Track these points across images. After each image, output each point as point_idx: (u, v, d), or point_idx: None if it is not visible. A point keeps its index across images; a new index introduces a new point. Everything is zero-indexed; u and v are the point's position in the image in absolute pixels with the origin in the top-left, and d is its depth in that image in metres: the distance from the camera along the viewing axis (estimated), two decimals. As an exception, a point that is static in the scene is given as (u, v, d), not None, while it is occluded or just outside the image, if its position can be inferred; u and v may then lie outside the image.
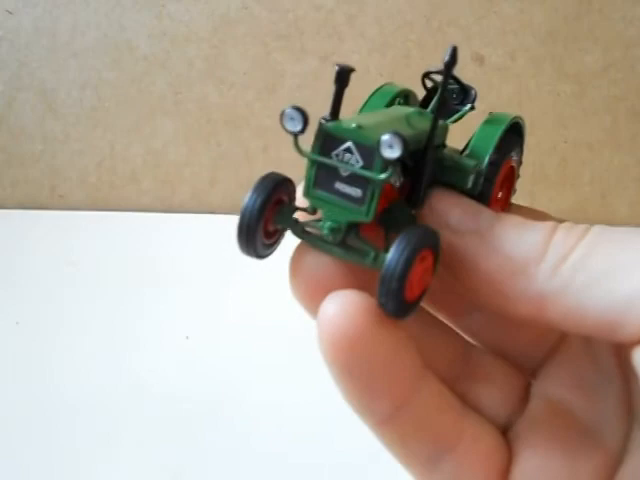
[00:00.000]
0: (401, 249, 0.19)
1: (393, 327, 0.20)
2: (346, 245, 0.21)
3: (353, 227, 0.20)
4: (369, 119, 0.21)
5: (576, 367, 0.24)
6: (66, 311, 0.56)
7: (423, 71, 0.26)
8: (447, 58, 0.20)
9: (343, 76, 0.21)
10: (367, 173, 0.19)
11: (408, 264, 0.19)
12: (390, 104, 0.25)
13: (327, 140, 0.20)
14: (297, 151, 0.20)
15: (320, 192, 0.20)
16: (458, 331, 0.25)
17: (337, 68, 0.21)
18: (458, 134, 0.25)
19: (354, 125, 0.20)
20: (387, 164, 0.19)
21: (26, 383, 0.48)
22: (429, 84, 0.26)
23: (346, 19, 0.68)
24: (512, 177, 0.25)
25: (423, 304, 0.21)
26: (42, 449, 0.42)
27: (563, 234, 0.20)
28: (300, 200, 0.21)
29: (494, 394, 0.24)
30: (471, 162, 0.22)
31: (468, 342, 0.25)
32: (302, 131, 0.20)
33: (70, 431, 0.44)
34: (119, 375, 0.49)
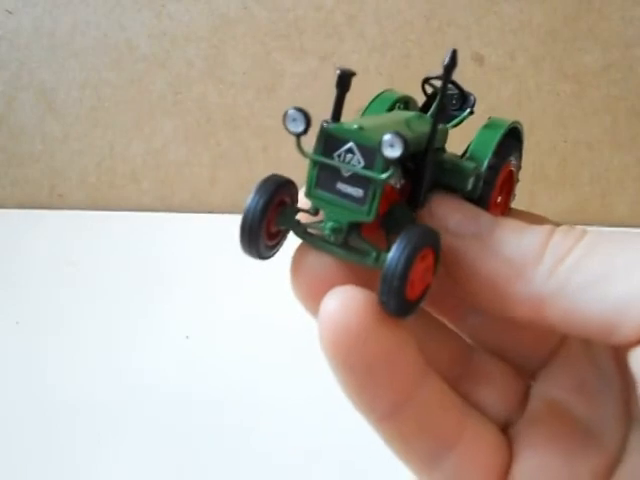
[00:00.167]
0: (402, 248, 0.19)
1: (394, 323, 0.20)
2: (348, 245, 0.21)
3: (355, 227, 0.21)
4: (370, 121, 0.21)
5: (576, 369, 0.24)
6: (66, 311, 0.56)
7: (423, 76, 0.26)
8: (447, 61, 0.21)
9: (344, 80, 0.21)
10: (368, 173, 0.20)
11: (409, 262, 0.19)
12: (390, 110, 0.25)
13: (329, 141, 0.20)
14: (299, 152, 0.20)
15: (322, 192, 0.21)
16: (459, 333, 0.26)
17: (338, 72, 0.21)
18: (458, 139, 0.25)
19: (355, 126, 0.20)
20: (388, 164, 0.19)
21: (26, 383, 0.48)
22: (429, 90, 0.26)
23: (346, 19, 0.68)
24: (511, 181, 0.25)
25: (424, 306, 0.21)
26: (42, 449, 0.42)
27: (560, 237, 0.20)
28: (302, 201, 0.22)
29: (495, 394, 0.24)
30: (471, 165, 0.22)
31: (469, 342, 0.25)
32: (304, 132, 0.20)
33: (70, 431, 0.44)
34: (119, 375, 0.49)
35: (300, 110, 0.20)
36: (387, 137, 0.19)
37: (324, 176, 0.20)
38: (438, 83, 0.22)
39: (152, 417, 0.45)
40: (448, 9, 0.67)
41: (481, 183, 0.23)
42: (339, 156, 0.20)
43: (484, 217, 0.22)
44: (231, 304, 0.56)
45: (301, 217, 0.22)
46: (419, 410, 0.21)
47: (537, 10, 0.67)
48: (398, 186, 0.21)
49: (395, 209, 0.22)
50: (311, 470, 0.41)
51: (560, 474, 0.22)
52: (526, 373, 0.25)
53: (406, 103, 0.26)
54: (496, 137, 0.23)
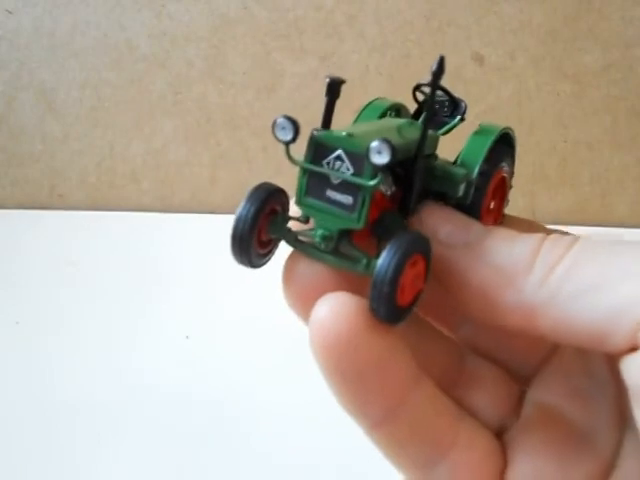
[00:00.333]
0: (392, 254, 0.19)
1: (385, 329, 0.20)
2: (339, 253, 0.21)
3: (345, 235, 0.21)
4: (360, 129, 0.22)
5: (569, 375, 0.24)
6: (66, 311, 0.56)
7: (414, 84, 0.26)
8: (434, 68, 0.21)
9: (334, 88, 0.21)
10: (357, 180, 0.20)
11: (399, 268, 0.19)
12: (381, 118, 0.25)
13: (318, 149, 0.20)
14: (289, 160, 0.20)
15: (312, 200, 0.21)
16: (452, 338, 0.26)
17: (328, 80, 0.21)
18: (450, 146, 0.25)
19: (344, 134, 0.20)
20: (377, 170, 0.19)
21: (26, 383, 0.48)
22: (420, 97, 0.26)
23: (346, 19, 0.68)
24: (504, 187, 0.25)
25: (417, 311, 0.21)
26: (42, 449, 0.42)
27: (550, 245, 0.20)
28: (293, 209, 0.22)
29: (489, 399, 0.24)
30: (461, 171, 0.22)
31: (463, 348, 0.26)
32: (293, 140, 0.20)
33: (70, 431, 0.44)
34: (119, 375, 0.49)
35: (289, 118, 0.20)
36: (374, 144, 0.19)
37: (314, 184, 0.20)
38: (429, 90, 0.22)
39: (152, 417, 0.45)
40: (448, 9, 0.67)
41: (472, 189, 0.23)
42: (328, 163, 0.20)
43: (475, 227, 0.22)
44: (231, 304, 0.56)
45: (292, 225, 0.22)
46: (412, 416, 0.21)
47: (537, 10, 0.67)
48: (389, 193, 0.21)
49: (386, 216, 0.22)
50: (311, 470, 0.41)
51: (554, 479, 0.22)
52: (520, 378, 0.25)
53: (398, 111, 0.26)
54: (487, 143, 0.23)
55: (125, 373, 0.49)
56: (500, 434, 0.24)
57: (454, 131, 0.26)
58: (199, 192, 0.74)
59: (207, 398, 0.46)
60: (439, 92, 0.25)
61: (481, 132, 0.24)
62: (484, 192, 0.23)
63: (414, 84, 0.26)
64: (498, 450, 0.23)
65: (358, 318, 0.19)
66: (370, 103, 0.26)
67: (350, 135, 0.20)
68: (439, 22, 0.67)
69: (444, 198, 0.23)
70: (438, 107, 0.26)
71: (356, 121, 0.25)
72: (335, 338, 0.19)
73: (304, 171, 0.21)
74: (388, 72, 0.68)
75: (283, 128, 0.20)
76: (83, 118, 0.73)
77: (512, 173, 0.26)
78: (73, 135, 0.73)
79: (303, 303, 0.21)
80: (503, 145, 0.25)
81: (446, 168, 0.23)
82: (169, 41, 0.70)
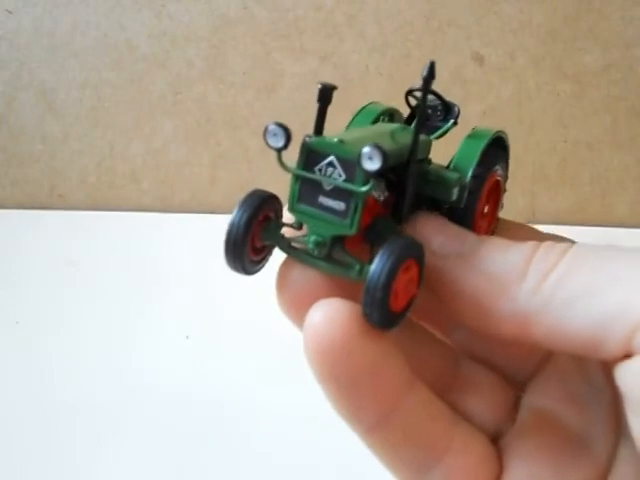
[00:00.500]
0: (384, 259, 0.19)
1: (379, 334, 0.20)
2: (332, 259, 0.21)
3: (338, 241, 0.21)
4: (352, 134, 0.22)
5: (565, 380, 0.24)
6: (66, 311, 0.56)
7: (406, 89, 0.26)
8: (425, 73, 0.21)
9: (326, 94, 0.21)
10: (349, 186, 0.20)
11: (392, 274, 0.19)
12: (375, 123, 0.25)
13: (310, 155, 0.20)
14: (281, 166, 0.20)
15: (304, 207, 0.21)
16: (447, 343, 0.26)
17: (320, 86, 0.21)
18: (444, 150, 0.25)
19: (336, 140, 0.20)
20: (368, 176, 0.19)
21: (26, 383, 0.48)
22: (413, 102, 0.26)
23: (346, 19, 0.68)
24: (498, 191, 0.25)
25: (410, 316, 0.21)
26: (42, 449, 0.42)
27: (544, 253, 0.21)
28: (286, 216, 0.22)
29: (484, 403, 0.24)
30: (454, 175, 0.22)
31: (457, 352, 0.26)
32: (284, 147, 0.20)
33: (70, 431, 0.44)
34: (119, 375, 0.49)
35: (280, 125, 0.20)
36: (366, 150, 0.19)
37: (306, 190, 0.21)
38: (421, 95, 0.22)
39: (152, 417, 0.45)
40: (448, 9, 0.67)
41: (466, 193, 0.23)
42: (320, 170, 0.20)
43: (468, 237, 0.22)
44: (231, 304, 0.56)
45: (286, 232, 0.22)
46: (406, 420, 0.21)
47: (537, 10, 0.67)
48: (382, 198, 0.21)
49: (379, 222, 0.22)
50: (311, 470, 0.41)
51: None
52: (515, 383, 0.25)
53: (391, 115, 0.26)
54: (480, 147, 0.23)
55: (125, 373, 0.49)
56: (495, 439, 0.24)
57: (449, 135, 0.26)
58: (199, 192, 0.74)
59: (207, 398, 0.46)
60: (432, 96, 0.25)
61: (474, 136, 0.24)
62: (478, 196, 0.23)
63: (407, 89, 0.26)
64: (493, 455, 0.23)
65: (352, 324, 0.19)
66: (363, 108, 0.26)
67: (342, 141, 0.20)
68: (439, 22, 0.67)
69: (438, 203, 0.23)
70: (431, 112, 0.26)
71: (349, 126, 0.25)
72: (329, 344, 0.19)
73: (296, 178, 0.21)
74: (388, 72, 0.68)
75: (275, 135, 0.20)
76: (83, 118, 0.73)
77: (506, 177, 0.26)
78: (73, 135, 0.73)
79: (297, 309, 0.21)
80: (497, 149, 0.25)
81: (439, 172, 0.23)
82: (169, 41, 0.70)
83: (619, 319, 0.18)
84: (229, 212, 0.21)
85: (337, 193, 0.20)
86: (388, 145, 0.21)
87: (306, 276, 0.21)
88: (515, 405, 0.25)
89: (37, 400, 0.46)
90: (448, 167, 0.23)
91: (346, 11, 0.68)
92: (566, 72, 0.68)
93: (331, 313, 0.19)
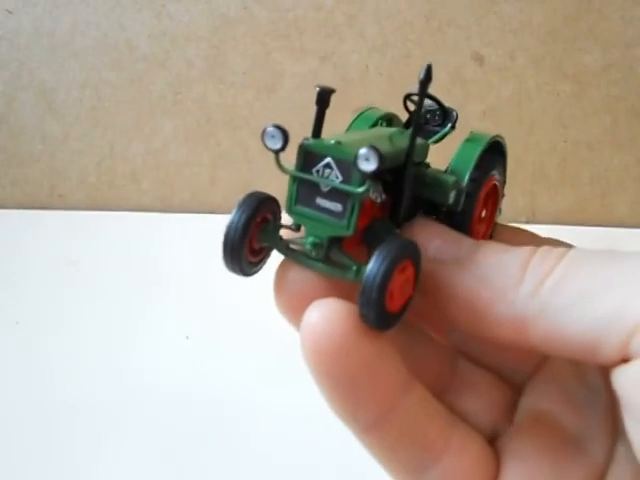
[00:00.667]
0: (380, 260, 0.19)
1: (376, 334, 0.20)
2: (329, 260, 0.21)
3: (335, 242, 0.21)
4: (349, 137, 0.22)
5: (562, 382, 0.24)
6: (66, 311, 0.56)
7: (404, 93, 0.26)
8: (422, 76, 0.21)
9: (324, 97, 0.21)
10: (346, 187, 0.20)
11: (387, 274, 0.19)
12: (372, 128, 0.26)
13: (308, 157, 0.20)
14: (278, 168, 0.21)
15: (302, 208, 0.21)
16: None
17: (318, 89, 0.21)
18: (442, 155, 0.25)
19: (333, 142, 0.20)
20: (365, 177, 0.19)
21: (26, 383, 0.48)
22: (411, 107, 0.26)
23: (346, 19, 0.68)
24: (496, 196, 0.25)
25: (407, 317, 0.21)
26: (42, 449, 0.42)
27: (541, 258, 0.21)
28: (284, 218, 0.22)
29: (481, 404, 0.24)
30: (452, 178, 0.22)
31: (455, 353, 0.26)
32: (282, 149, 0.20)
33: (70, 431, 0.44)
34: (119, 375, 0.49)
35: (278, 127, 0.20)
36: (362, 151, 0.19)
37: (304, 192, 0.21)
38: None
39: (152, 417, 0.45)
40: (448, 9, 0.67)
41: (463, 197, 0.23)
42: (318, 171, 0.20)
43: (464, 241, 0.22)
44: (231, 304, 0.56)
45: (284, 233, 0.22)
46: (403, 420, 0.21)
47: (537, 10, 0.67)
48: (379, 201, 0.21)
49: (376, 224, 0.22)
50: (311, 470, 0.41)
51: None
52: (513, 385, 0.25)
53: (389, 120, 0.26)
54: (477, 151, 0.23)
55: (125, 373, 0.49)
56: (492, 440, 0.24)
57: (447, 139, 0.26)
58: (199, 192, 0.74)
59: (207, 398, 0.46)
60: (431, 102, 0.26)
61: (472, 140, 0.24)
62: (475, 199, 0.23)
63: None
64: (490, 456, 0.23)
65: (348, 323, 0.19)
66: (361, 113, 0.26)
67: (339, 143, 0.20)
68: (439, 22, 0.67)
69: (436, 206, 0.23)
70: (429, 116, 0.26)
71: (347, 130, 0.25)
72: (326, 343, 0.19)
73: (294, 179, 0.21)
74: (388, 72, 0.68)
75: (272, 137, 0.20)
76: (83, 118, 0.73)
77: (504, 182, 0.26)
78: (73, 135, 0.73)
79: (294, 311, 0.21)
80: (494, 153, 0.25)
81: (436, 176, 0.23)
82: (169, 41, 0.70)
83: (615, 324, 0.18)
84: (229, 212, 0.21)
85: (334, 194, 0.20)
86: (385, 147, 0.21)
87: (303, 277, 0.21)
88: (512, 406, 0.25)
89: (37, 400, 0.46)
90: (446, 171, 0.24)
91: (346, 11, 0.68)
92: (566, 72, 0.68)
93: (328, 313, 0.19)
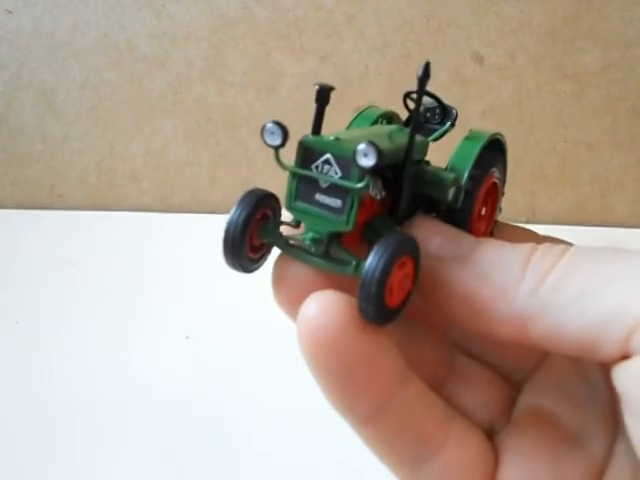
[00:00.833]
0: (379, 255, 0.19)
1: (373, 326, 0.20)
2: (329, 256, 0.21)
3: (335, 238, 0.21)
4: (349, 134, 0.22)
5: (562, 378, 0.24)
6: (66, 311, 0.56)
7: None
8: (420, 73, 0.21)
9: (323, 95, 0.21)
10: (345, 183, 0.20)
11: (386, 269, 0.19)
12: (373, 125, 0.26)
13: (307, 153, 0.21)
14: (278, 165, 0.21)
15: (301, 204, 0.21)
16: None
17: (317, 87, 0.21)
18: (442, 152, 0.25)
19: (332, 138, 0.20)
20: (364, 173, 0.19)
21: (26, 383, 0.48)
22: (411, 105, 0.26)
23: (346, 19, 0.68)
24: (495, 194, 0.25)
25: (406, 315, 0.21)
26: (42, 449, 0.42)
27: (541, 255, 0.21)
28: (285, 214, 0.22)
29: (479, 398, 0.24)
30: (451, 175, 0.23)
31: (453, 349, 0.26)
32: (282, 145, 0.20)
33: (70, 431, 0.44)
34: (119, 375, 0.49)
35: (278, 124, 0.20)
36: (361, 147, 0.19)
37: (303, 188, 0.21)
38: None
39: (152, 417, 0.45)
40: (448, 9, 0.67)
41: (462, 194, 0.23)
42: (317, 167, 0.20)
43: (464, 239, 0.22)
44: (231, 304, 0.56)
45: (284, 230, 0.22)
46: (400, 413, 0.21)
47: (537, 10, 0.67)
48: (379, 198, 0.21)
49: (376, 220, 0.22)
50: (311, 470, 0.41)
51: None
52: (512, 381, 0.25)
53: (389, 119, 0.27)
54: (477, 148, 0.23)
55: (125, 373, 0.49)
56: (491, 434, 0.24)
57: (447, 137, 0.26)
58: (199, 192, 0.74)
59: (207, 398, 0.46)
60: (431, 100, 0.26)
61: (471, 137, 0.24)
62: (474, 196, 0.23)
63: (405, 92, 0.26)
64: (489, 450, 0.23)
65: (346, 316, 0.19)
66: (362, 112, 0.26)
67: (337, 139, 0.20)
68: (439, 22, 0.67)
69: (435, 203, 0.23)
70: (429, 114, 0.27)
71: (348, 128, 0.25)
72: (323, 335, 0.19)
73: (293, 175, 0.21)
74: (388, 72, 0.68)
75: (272, 133, 0.20)
76: (83, 118, 0.73)
77: (504, 180, 0.26)
78: (73, 135, 0.73)
79: (293, 305, 0.21)
80: (494, 151, 0.25)
81: (436, 173, 0.23)
82: (169, 41, 0.70)
83: (615, 321, 0.18)
84: (229, 212, 0.21)
85: (333, 190, 0.20)
86: (384, 144, 0.21)
87: (303, 272, 0.22)
88: (510, 404, 0.25)
89: (37, 400, 0.46)
90: (445, 169, 0.24)
91: (346, 11, 0.68)
92: (566, 72, 0.68)
93: (325, 304, 0.19)
